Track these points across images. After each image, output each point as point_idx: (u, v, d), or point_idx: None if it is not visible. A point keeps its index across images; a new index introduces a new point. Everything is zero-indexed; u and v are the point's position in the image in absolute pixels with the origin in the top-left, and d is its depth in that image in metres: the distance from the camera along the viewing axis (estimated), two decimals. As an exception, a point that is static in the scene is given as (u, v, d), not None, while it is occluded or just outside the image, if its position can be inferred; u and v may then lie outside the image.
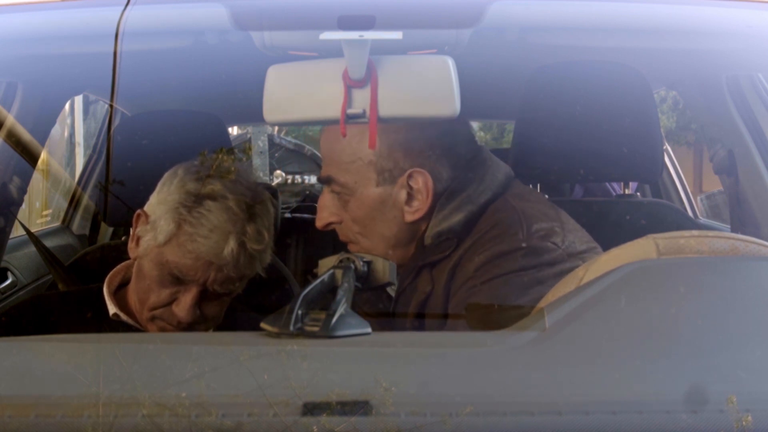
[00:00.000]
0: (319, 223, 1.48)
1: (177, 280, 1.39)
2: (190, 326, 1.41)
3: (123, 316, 1.47)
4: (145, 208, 1.44)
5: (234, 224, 1.37)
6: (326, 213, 1.47)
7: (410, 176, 1.40)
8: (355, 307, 1.19)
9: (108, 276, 1.53)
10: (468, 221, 1.38)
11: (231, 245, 1.36)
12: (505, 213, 1.38)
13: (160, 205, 1.41)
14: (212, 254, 1.36)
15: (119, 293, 1.52)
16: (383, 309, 1.50)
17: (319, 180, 1.49)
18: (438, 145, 1.41)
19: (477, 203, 1.39)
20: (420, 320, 1.41)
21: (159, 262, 1.39)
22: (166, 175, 1.44)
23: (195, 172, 1.43)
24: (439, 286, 1.37)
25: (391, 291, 1.47)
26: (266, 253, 1.44)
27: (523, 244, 1.31)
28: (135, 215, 1.45)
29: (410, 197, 1.41)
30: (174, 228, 1.37)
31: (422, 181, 1.39)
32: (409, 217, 1.41)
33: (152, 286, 1.41)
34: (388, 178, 1.40)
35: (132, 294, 1.48)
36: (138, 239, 1.44)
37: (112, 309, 1.48)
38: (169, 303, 1.41)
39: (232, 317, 1.51)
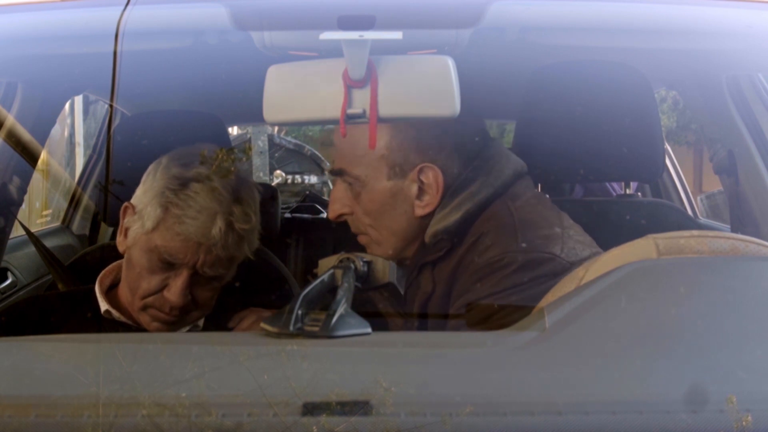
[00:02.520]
0: (331, 214, 1.50)
1: (167, 265, 1.40)
2: (181, 313, 1.42)
3: (114, 313, 1.47)
4: (132, 200, 1.45)
5: (220, 204, 1.38)
6: (338, 204, 1.48)
7: (421, 171, 1.40)
8: (366, 303, 1.20)
9: (100, 275, 1.54)
10: (463, 222, 1.38)
11: (219, 224, 1.37)
12: (500, 219, 1.37)
13: (146, 193, 1.42)
14: (201, 234, 1.37)
15: (111, 292, 1.53)
16: (394, 304, 1.51)
17: (332, 172, 1.51)
18: (449, 140, 1.41)
19: (476, 202, 1.39)
20: (422, 321, 1.41)
21: (148, 248, 1.40)
22: (150, 166, 1.46)
23: (179, 158, 1.44)
24: (440, 287, 1.37)
25: (401, 287, 1.48)
26: (254, 234, 1.45)
27: (519, 257, 1.30)
28: (122, 208, 1.47)
29: (421, 192, 1.41)
30: (161, 212, 1.39)
31: (433, 176, 1.40)
32: (420, 212, 1.42)
33: (143, 274, 1.41)
34: (399, 172, 1.41)
35: (123, 288, 1.48)
36: (126, 231, 1.45)
37: (103, 306, 1.49)
38: (161, 289, 1.41)
39: (233, 317, 1.51)
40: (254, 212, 1.44)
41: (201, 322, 1.50)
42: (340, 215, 1.49)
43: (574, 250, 1.32)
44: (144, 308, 1.43)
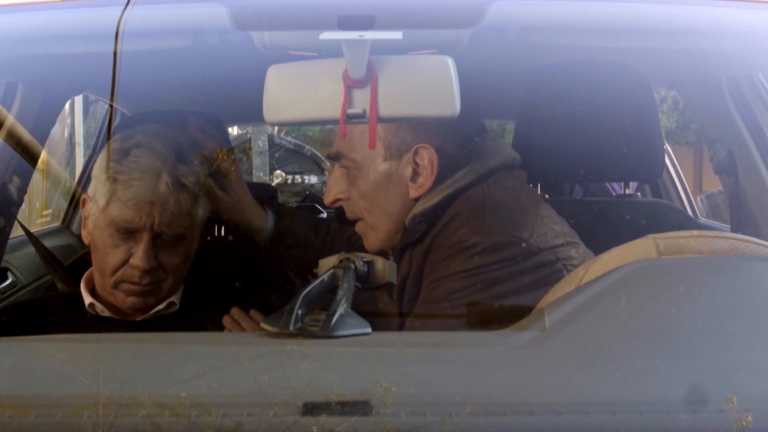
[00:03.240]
0: (327, 199, 1.52)
1: (127, 234, 1.44)
2: (152, 281, 1.45)
3: (98, 306, 1.50)
4: (87, 192, 1.51)
5: (164, 163, 1.45)
6: (335, 190, 1.50)
7: (416, 152, 1.42)
8: (366, 303, 1.20)
9: (84, 275, 1.57)
10: (440, 205, 1.39)
11: (165, 179, 1.43)
12: (472, 202, 1.38)
13: (95, 178, 1.48)
14: (150, 193, 1.42)
15: (95, 293, 1.55)
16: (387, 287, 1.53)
17: (329, 156, 1.52)
18: (446, 123, 1.42)
19: (456, 187, 1.40)
20: (399, 305, 1.43)
21: (106, 224, 1.44)
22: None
23: (118, 138, 1.51)
24: (413, 269, 1.40)
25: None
26: (204, 191, 1.50)
27: (484, 239, 1.31)
28: (81, 201, 1.53)
29: (415, 173, 1.43)
30: (110, 185, 1.44)
31: (428, 158, 1.41)
32: (413, 193, 1.43)
33: (107, 251, 1.45)
34: (395, 154, 1.43)
35: (95, 276, 1.51)
36: (86, 220, 1.50)
37: (87, 299, 1.51)
38: (126, 260, 1.44)
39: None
40: (202, 167, 1.51)
41: (177, 300, 1.52)
42: (336, 200, 1.50)
43: (545, 236, 1.33)
44: (115, 285, 1.46)
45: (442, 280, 1.32)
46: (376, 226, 1.47)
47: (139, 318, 1.50)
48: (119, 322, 1.50)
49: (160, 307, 1.50)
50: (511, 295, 1.26)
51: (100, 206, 1.45)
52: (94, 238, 1.48)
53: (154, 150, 1.46)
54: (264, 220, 1.68)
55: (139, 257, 1.42)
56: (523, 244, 1.30)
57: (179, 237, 1.46)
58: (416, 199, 1.43)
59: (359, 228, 1.51)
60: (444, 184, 1.41)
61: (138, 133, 1.51)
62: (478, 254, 1.30)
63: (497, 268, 1.28)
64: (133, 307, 1.47)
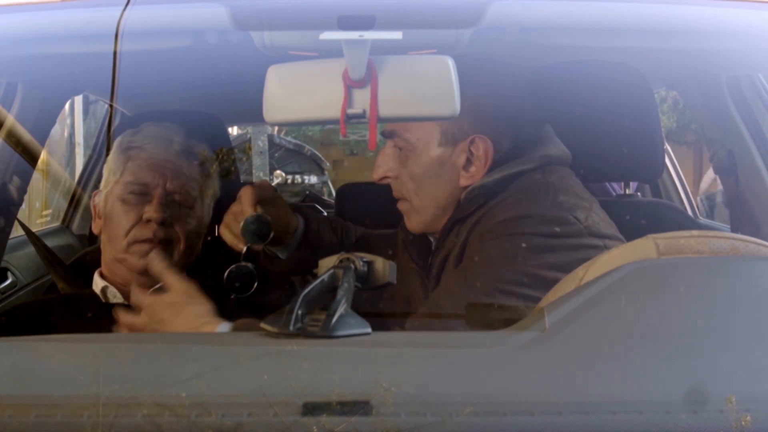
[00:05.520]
0: (376, 175, 1.52)
1: (141, 195, 1.51)
2: (165, 242, 1.50)
3: (110, 289, 1.54)
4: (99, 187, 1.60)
5: (176, 133, 1.58)
6: (384, 167, 1.50)
7: (472, 141, 1.43)
8: (366, 303, 1.20)
9: (96, 270, 1.61)
10: (501, 182, 1.40)
11: (176, 143, 1.55)
12: (536, 181, 1.40)
13: (107, 168, 1.58)
14: (163, 151, 1.54)
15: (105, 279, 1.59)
16: (421, 267, 1.53)
17: (383, 133, 1.52)
18: (505, 115, 1.44)
19: (515, 170, 1.42)
20: (436, 281, 1.43)
21: (120, 192, 1.52)
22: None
23: (127, 132, 1.62)
24: (459, 243, 1.40)
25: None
26: (214, 166, 1.60)
27: (544, 211, 1.33)
28: (92, 197, 1.60)
29: (468, 162, 1.44)
30: (124, 158, 1.54)
31: (483, 148, 1.42)
32: (464, 182, 1.44)
33: (120, 216, 1.51)
34: (450, 140, 1.43)
35: (106, 251, 1.56)
36: (97, 209, 1.57)
37: (100, 284, 1.55)
38: (139, 218, 1.50)
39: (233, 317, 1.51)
40: (207, 149, 1.62)
41: None
42: (384, 177, 1.51)
43: (597, 224, 1.35)
44: (128, 247, 1.50)
45: (493, 241, 1.33)
46: (421, 209, 1.48)
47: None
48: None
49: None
50: (556, 268, 1.26)
51: (116, 177, 1.52)
52: (107, 213, 1.53)
53: (166, 127, 1.58)
54: (297, 224, 1.67)
55: (153, 208, 1.49)
56: (580, 225, 1.32)
57: (189, 205, 1.53)
58: (466, 187, 1.44)
59: (403, 207, 1.52)
60: (502, 168, 1.42)
61: (147, 125, 1.61)
62: (535, 223, 1.32)
63: (550, 238, 1.30)
64: (146, 269, 1.48)
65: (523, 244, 1.30)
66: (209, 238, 1.79)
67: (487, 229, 1.36)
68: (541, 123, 1.51)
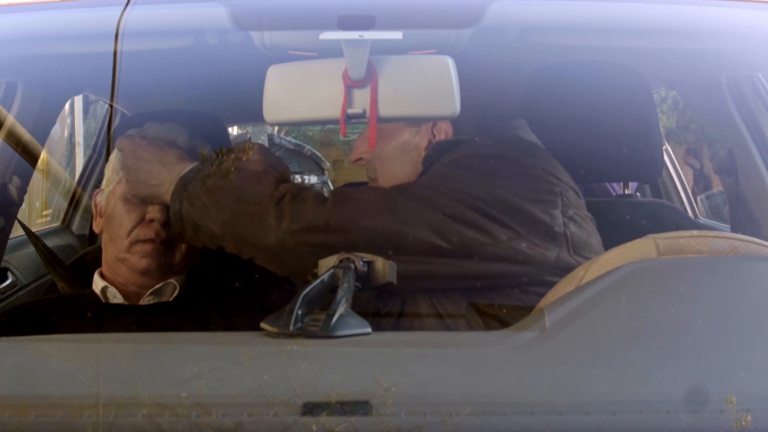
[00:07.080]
0: (352, 156, 1.61)
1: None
2: (167, 242, 1.49)
3: (110, 290, 1.53)
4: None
5: (179, 133, 1.56)
6: (360, 149, 1.58)
7: (435, 124, 1.50)
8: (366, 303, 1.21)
9: (96, 270, 1.60)
10: (463, 141, 1.47)
11: (180, 141, 1.52)
12: (502, 139, 1.49)
13: (109, 167, 1.56)
14: (168, 139, 1.51)
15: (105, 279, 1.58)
16: None
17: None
18: (470, 103, 1.46)
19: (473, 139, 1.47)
20: None
21: (123, 191, 1.50)
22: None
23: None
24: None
25: None
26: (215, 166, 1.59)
27: (500, 143, 1.40)
28: (93, 196, 1.59)
29: (429, 144, 1.51)
30: (125, 156, 1.51)
31: (444, 131, 1.51)
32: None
33: (123, 216, 1.50)
34: (416, 123, 1.51)
35: (107, 250, 1.55)
36: (99, 208, 1.56)
37: (101, 284, 1.54)
38: (142, 218, 1.49)
39: (234, 317, 1.51)
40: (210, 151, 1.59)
41: (178, 283, 1.54)
42: (359, 159, 1.59)
43: (557, 174, 1.38)
44: (130, 247, 1.49)
45: (445, 165, 1.38)
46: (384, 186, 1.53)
47: (151, 288, 1.52)
48: (129, 309, 1.52)
49: (171, 280, 1.52)
50: (501, 188, 1.30)
51: (119, 176, 1.51)
52: (108, 213, 1.53)
53: (168, 126, 1.56)
54: None
55: (156, 208, 1.48)
56: (537, 168, 1.36)
57: None
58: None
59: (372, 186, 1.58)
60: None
61: (150, 125, 1.60)
62: (491, 149, 1.38)
63: (504, 164, 1.34)
64: (147, 269, 1.49)
65: (477, 164, 1.35)
66: None
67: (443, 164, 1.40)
68: (511, 117, 1.55)
